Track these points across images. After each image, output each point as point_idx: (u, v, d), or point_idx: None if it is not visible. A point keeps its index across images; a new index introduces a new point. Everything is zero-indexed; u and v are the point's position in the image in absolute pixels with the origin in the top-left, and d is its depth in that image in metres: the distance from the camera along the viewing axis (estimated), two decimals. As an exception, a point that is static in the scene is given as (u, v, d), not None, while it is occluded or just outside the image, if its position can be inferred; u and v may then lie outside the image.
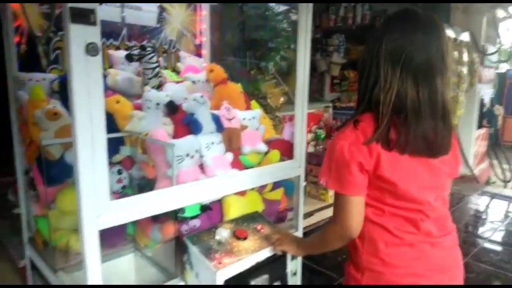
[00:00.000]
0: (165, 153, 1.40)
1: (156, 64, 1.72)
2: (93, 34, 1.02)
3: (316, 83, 4.62)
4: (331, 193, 3.61)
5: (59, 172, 1.42)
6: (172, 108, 1.55)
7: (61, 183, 1.44)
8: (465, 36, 4.69)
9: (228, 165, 1.56)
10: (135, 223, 1.56)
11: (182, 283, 1.41)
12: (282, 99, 2.59)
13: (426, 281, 1.02)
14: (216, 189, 1.47)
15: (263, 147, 1.70)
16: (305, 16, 1.61)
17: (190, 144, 1.45)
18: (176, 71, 2.02)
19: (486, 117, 5.48)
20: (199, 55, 2.23)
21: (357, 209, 1.03)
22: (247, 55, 2.61)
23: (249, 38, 2.58)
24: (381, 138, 0.99)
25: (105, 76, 1.68)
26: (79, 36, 1.00)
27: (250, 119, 1.71)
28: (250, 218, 1.57)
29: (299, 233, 1.80)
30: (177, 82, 1.75)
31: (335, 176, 1.04)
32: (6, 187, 2.49)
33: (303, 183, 1.80)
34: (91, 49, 1.03)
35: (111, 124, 1.60)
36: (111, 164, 1.57)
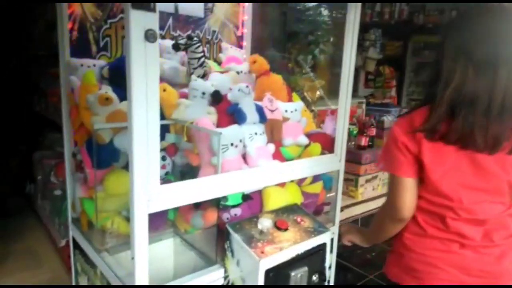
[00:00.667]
0: (211, 141, 1.42)
1: (201, 54, 1.73)
2: (152, 20, 1.04)
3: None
4: (361, 190, 3.57)
5: (108, 156, 1.47)
6: (217, 98, 1.57)
7: (109, 166, 1.49)
8: None
9: (270, 156, 1.56)
10: (176, 208, 1.59)
11: (222, 270, 1.44)
12: (318, 93, 2.57)
13: (442, 275, 1.04)
14: (259, 179, 1.48)
15: (304, 140, 1.69)
16: (353, 14, 1.59)
17: (235, 134, 1.47)
18: (217, 61, 2.04)
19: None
20: (240, 46, 2.24)
21: (407, 190, 1.05)
22: (286, 47, 2.60)
23: (289, 31, 2.57)
24: (427, 130, 1.00)
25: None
26: (139, 22, 1.02)
27: (292, 111, 1.71)
28: (290, 209, 1.58)
29: (336, 227, 1.79)
30: (221, 73, 1.77)
31: (387, 159, 1.11)
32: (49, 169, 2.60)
33: (342, 178, 1.79)
34: (149, 36, 1.05)
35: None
36: (156, 150, 1.61)
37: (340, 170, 1.75)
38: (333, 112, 1.81)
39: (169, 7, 1.86)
